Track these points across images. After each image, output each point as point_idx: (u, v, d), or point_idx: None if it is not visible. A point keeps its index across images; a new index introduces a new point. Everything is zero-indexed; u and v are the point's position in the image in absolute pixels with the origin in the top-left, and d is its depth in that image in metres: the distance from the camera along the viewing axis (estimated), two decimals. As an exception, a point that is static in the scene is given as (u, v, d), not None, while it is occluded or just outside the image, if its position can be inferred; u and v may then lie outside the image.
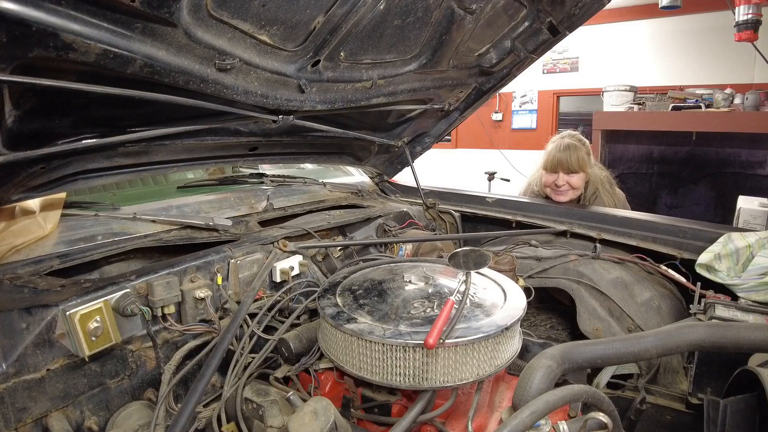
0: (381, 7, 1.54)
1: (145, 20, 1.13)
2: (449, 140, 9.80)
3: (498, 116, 9.35)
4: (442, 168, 9.52)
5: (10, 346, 1.20)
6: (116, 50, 1.12)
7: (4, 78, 1.02)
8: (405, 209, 2.62)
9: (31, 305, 1.25)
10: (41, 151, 1.32)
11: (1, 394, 1.16)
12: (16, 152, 1.25)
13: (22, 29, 0.95)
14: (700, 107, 5.40)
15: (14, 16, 0.93)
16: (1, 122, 1.17)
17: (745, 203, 3.52)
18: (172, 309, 1.44)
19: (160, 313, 1.42)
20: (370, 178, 3.13)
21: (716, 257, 1.94)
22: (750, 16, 3.92)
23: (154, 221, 1.85)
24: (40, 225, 1.60)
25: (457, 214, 2.75)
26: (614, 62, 7.95)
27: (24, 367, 1.20)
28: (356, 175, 3.20)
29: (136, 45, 1.16)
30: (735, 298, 1.83)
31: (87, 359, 1.27)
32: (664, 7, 5.12)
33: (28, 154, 1.28)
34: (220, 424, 1.32)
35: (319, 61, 1.62)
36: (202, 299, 1.49)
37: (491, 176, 7.15)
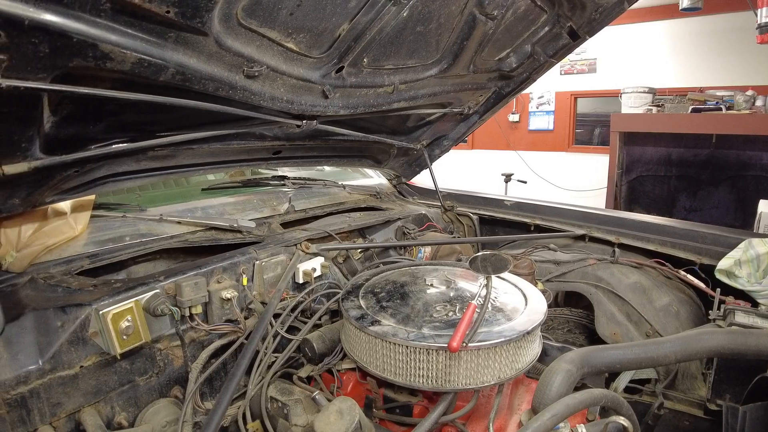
0: (404, 15, 1.56)
1: (178, 30, 1.17)
2: (465, 141, 9.78)
3: (515, 117, 9.31)
4: (459, 169, 9.52)
5: (46, 344, 1.25)
6: (150, 59, 1.17)
7: (45, 87, 1.06)
8: (423, 212, 2.63)
9: (65, 304, 1.30)
10: (76, 155, 1.37)
11: (38, 389, 1.21)
12: (53, 156, 1.30)
13: (64, 40, 1.00)
14: (720, 109, 5.34)
15: (56, 28, 0.97)
16: (40, 128, 1.21)
17: (767, 207, 3.47)
18: (199, 309, 1.48)
19: (187, 313, 1.46)
20: (388, 180, 3.15)
21: (736, 263, 1.93)
22: (773, 18, 3.89)
23: (179, 222, 1.89)
24: (71, 226, 1.64)
25: (475, 217, 2.76)
26: (632, 63, 7.87)
27: (59, 363, 1.25)
28: (374, 177, 3.21)
29: (169, 53, 1.20)
30: (755, 304, 1.82)
31: (118, 357, 1.31)
32: (685, 9, 5.08)
33: (63, 158, 1.33)
34: (245, 422, 1.35)
35: (342, 67, 1.65)
36: (229, 300, 1.52)
37: (508, 178, 7.12)
